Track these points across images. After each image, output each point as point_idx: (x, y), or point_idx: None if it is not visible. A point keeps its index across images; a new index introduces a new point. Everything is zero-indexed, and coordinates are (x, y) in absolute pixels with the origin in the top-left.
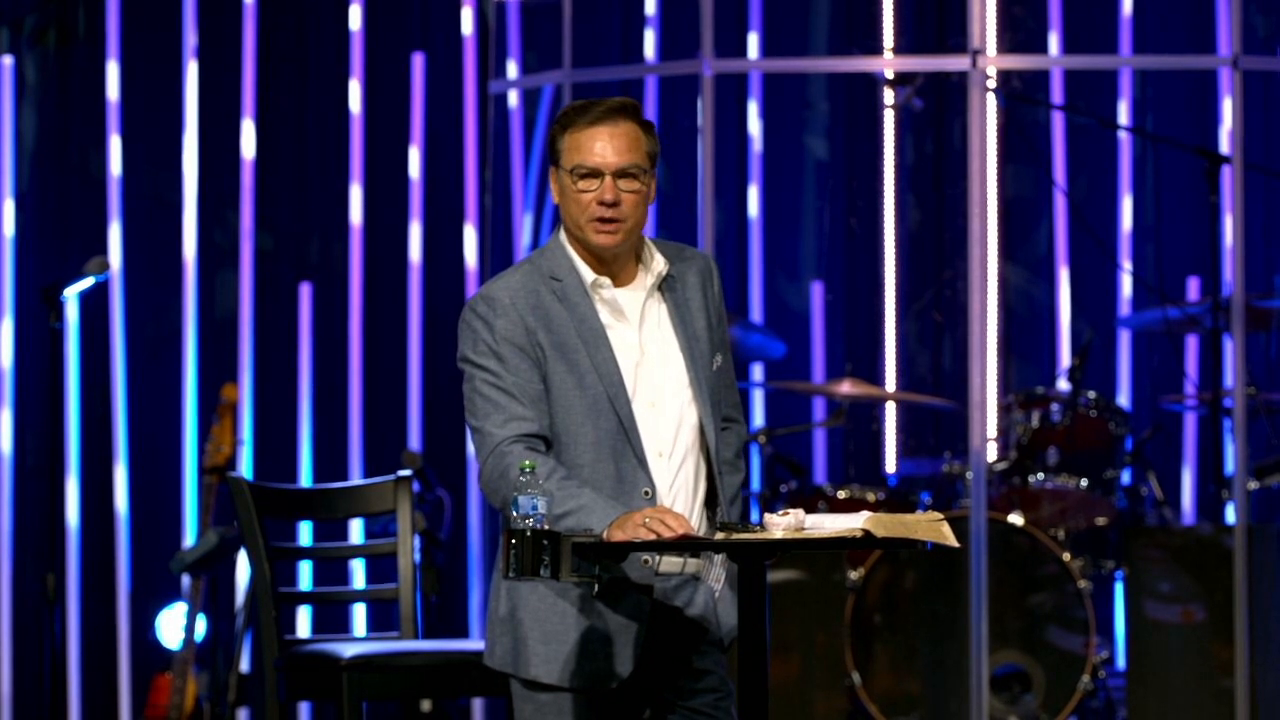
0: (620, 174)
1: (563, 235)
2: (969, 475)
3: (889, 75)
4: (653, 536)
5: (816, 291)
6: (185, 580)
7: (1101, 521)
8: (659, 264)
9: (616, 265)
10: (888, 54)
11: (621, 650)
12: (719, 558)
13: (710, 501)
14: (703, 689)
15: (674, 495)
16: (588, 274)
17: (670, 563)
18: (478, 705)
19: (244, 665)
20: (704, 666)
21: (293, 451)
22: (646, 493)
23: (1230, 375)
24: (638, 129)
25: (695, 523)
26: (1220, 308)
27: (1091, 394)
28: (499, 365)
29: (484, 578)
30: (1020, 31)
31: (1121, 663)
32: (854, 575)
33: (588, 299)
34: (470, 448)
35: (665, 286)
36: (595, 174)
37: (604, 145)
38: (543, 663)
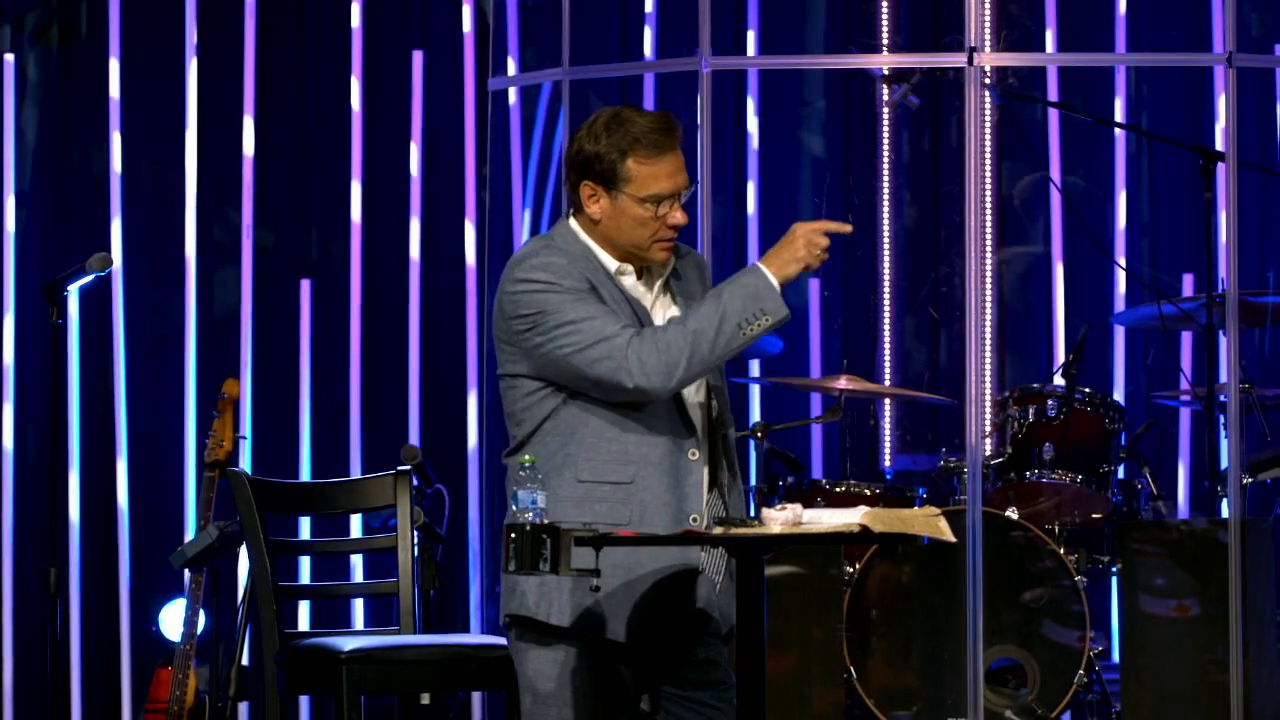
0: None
1: (573, 223)
2: (965, 470)
3: (886, 72)
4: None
5: (813, 288)
6: (186, 575)
7: (1097, 516)
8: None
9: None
10: (884, 51)
11: (651, 616)
12: (719, 549)
13: (720, 486)
14: (706, 681)
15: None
16: (610, 261)
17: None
18: (476, 699)
19: (244, 659)
20: (707, 658)
21: (293, 447)
22: (694, 454)
23: (1225, 371)
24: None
25: (709, 505)
26: (1215, 304)
27: (1087, 390)
28: (584, 307)
29: (483, 572)
30: (1016, 29)
31: (1116, 657)
32: (851, 570)
33: (611, 282)
34: (469, 443)
35: (671, 280)
36: (666, 199)
37: (673, 171)
38: (569, 612)
